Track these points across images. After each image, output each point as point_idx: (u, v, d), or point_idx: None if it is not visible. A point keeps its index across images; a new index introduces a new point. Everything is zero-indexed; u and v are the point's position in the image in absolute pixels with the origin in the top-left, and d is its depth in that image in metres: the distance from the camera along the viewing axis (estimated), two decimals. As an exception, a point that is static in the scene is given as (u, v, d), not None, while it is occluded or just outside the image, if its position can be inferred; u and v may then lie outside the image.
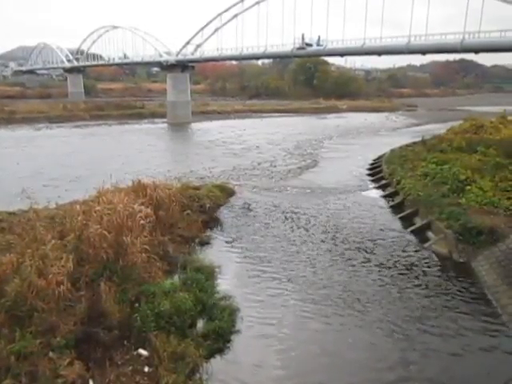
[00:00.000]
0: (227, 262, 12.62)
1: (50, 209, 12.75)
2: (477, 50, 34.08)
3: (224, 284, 11.08)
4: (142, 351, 7.87)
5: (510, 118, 36.56)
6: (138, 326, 8.28)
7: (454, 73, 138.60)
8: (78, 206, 11.63)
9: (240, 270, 12.35)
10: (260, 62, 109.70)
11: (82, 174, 23.80)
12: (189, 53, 56.61)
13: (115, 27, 73.38)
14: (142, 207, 12.03)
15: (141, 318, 8.43)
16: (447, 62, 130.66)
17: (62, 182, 22.14)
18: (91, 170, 24.60)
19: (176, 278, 10.82)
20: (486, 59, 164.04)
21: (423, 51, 37.56)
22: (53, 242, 9.53)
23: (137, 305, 8.89)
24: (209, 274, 11.18)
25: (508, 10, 30.07)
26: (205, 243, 14.00)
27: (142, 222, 11.35)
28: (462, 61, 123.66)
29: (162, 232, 12.90)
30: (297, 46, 44.94)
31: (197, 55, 56.48)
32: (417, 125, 57.06)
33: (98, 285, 8.89)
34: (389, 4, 45.29)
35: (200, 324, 9.11)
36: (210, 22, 52.67)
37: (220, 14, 51.51)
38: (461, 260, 12.87)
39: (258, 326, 9.37)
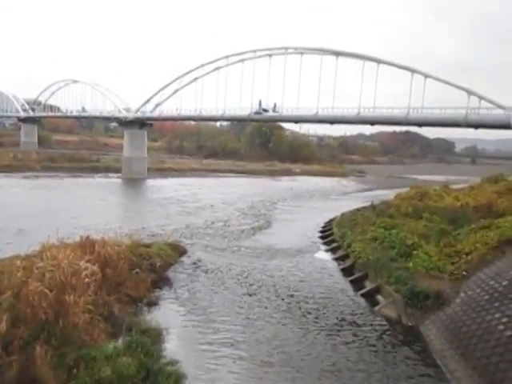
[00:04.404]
0: (175, 325, 12.13)
1: (-14, 264, 11.95)
2: (420, 124, 36.90)
3: (171, 348, 10.56)
4: (77, 423, 7.22)
5: (451, 186, 39.05)
6: (75, 395, 7.65)
7: (401, 143, 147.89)
8: (18, 262, 10.99)
9: (188, 333, 11.88)
10: (218, 123, 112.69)
11: (28, 227, 22.69)
12: (148, 111, 57.46)
13: (75, 81, 73.80)
14: (89, 264, 11.56)
15: (78, 386, 7.80)
16: (394, 133, 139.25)
17: (5, 234, 20.92)
18: (38, 223, 23.51)
19: (120, 340, 10.21)
20: (429, 132, 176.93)
21: (372, 122, 40.18)
22: (-14, 299, 8.86)
23: (75, 371, 8.25)
24: (155, 336, 10.68)
25: (449, 90, 33.03)
26: (153, 304, 13.45)
27: (87, 280, 10.85)
28: (408, 132, 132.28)
29: (108, 291, 12.33)
30: (254, 110, 46.90)
31: (156, 113, 57.37)
32: (366, 190, 59.44)
33: (33, 348, 8.24)
34: (340, 78, 48.63)
35: (143, 392, 8.53)
36: (171, 83, 54.22)
37: (181, 77, 53.17)
38: (410, 324, 13.02)
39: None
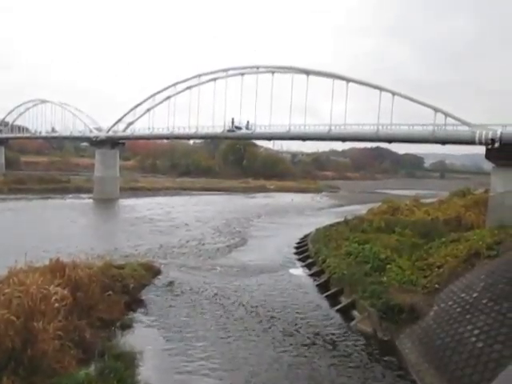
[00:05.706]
0: (150, 348, 11.84)
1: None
2: (390, 140, 37.73)
3: (145, 373, 10.28)
4: None
5: (422, 201, 39.98)
6: (44, 427, 7.33)
7: (372, 158, 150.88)
8: (-17, 289, 10.58)
9: (164, 356, 11.61)
10: (191, 141, 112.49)
11: (-7, 251, 21.89)
12: (120, 130, 56.84)
13: (44, 101, 72.42)
14: (58, 288, 11.23)
15: (47, 417, 7.49)
16: (365, 149, 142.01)
17: (-31, 260, 20.13)
18: (4, 247, 22.64)
19: (92, 367, 9.88)
20: (399, 148, 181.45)
21: (343, 139, 40.84)
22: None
23: (44, 401, 7.94)
24: (129, 361, 10.38)
25: (415, 107, 34.01)
26: (127, 327, 13.11)
27: (56, 304, 10.52)
28: (378, 148, 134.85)
29: (80, 315, 11.96)
30: (227, 128, 47.07)
31: (128, 132, 56.81)
32: (339, 205, 60.13)
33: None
34: (310, 95, 49.25)
35: (116, 420, 8.26)
36: (143, 101, 53.91)
37: (153, 95, 53.07)
38: (385, 338, 13.10)
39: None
